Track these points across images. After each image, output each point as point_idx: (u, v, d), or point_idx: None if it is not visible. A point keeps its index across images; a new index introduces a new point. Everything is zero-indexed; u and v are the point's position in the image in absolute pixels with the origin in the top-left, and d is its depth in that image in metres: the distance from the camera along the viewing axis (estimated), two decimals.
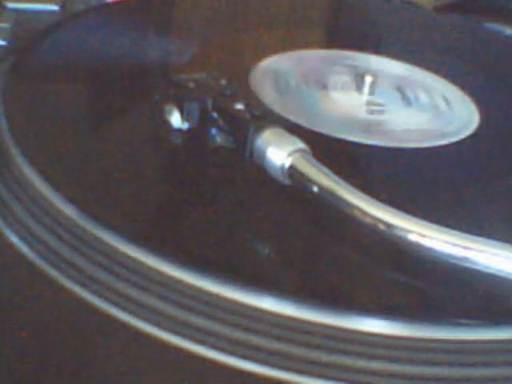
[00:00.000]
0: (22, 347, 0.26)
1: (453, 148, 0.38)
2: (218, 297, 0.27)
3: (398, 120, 0.41)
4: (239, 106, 0.34)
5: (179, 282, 0.28)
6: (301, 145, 0.31)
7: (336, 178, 0.30)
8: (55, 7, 0.49)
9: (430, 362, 0.27)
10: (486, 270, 0.27)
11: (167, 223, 0.31)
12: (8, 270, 0.29)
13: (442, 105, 0.43)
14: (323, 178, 0.30)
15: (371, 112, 0.41)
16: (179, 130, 0.35)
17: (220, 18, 0.51)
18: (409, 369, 0.27)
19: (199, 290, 0.27)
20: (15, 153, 0.33)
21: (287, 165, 0.31)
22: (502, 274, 0.27)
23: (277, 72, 0.43)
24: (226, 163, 0.34)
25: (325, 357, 0.26)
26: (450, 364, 0.27)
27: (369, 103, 0.42)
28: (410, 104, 0.42)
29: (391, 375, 0.26)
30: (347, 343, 0.27)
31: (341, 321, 0.27)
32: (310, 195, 0.30)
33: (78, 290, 0.28)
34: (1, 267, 0.29)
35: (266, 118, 0.33)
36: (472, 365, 0.27)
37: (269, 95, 0.40)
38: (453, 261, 0.28)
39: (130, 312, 0.27)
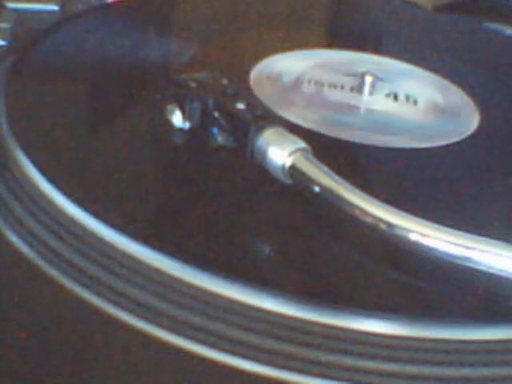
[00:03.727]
0: (22, 347, 0.26)
1: (453, 148, 0.38)
2: (217, 296, 0.27)
3: (430, 94, 0.41)
4: (240, 106, 0.34)
5: (179, 281, 0.28)
6: (302, 144, 0.31)
7: (337, 177, 0.30)
8: (55, 7, 0.49)
9: (430, 361, 0.27)
10: (487, 270, 0.27)
11: (168, 223, 0.31)
12: (8, 269, 0.29)
13: (383, 68, 0.44)
14: (324, 178, 0.30)
15: (408, 103, 0.41)
16: (180, 130, 0.35)
17: (220, 18, 0.51)
18: (409, 369, 0.26)
19: (199, 290, 0.27)
20: (16, 152, 0.33)
21: (288, 164, 0.31)
22: (503, 274, 0.27)
23: (277, 72, 0.43)
24: (227, 163, 0.34)
25: (325, 357, 0.26)
26: (450, 364, 0.27)
27: (388, 97, 0.42)
28: (388, 80, 0.43)
29: (391, 375, 0.26)
30: (347, 343, 0.27)
31: (341, 321, 0.27)
32: (310, 195, 0.30)
33: (78, 289, 0.28)
34: (1, 267, 0.29)
35: (267, 117, 0.33)
36: (472, 365, 0.27)
37: (269, 95, 0.40)
38: (454, 261, 0.28)
39: (130, 312, 0.27)
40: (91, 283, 0.28)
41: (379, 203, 0.29)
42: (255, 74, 0.42)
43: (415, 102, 0.41)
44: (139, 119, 0.38)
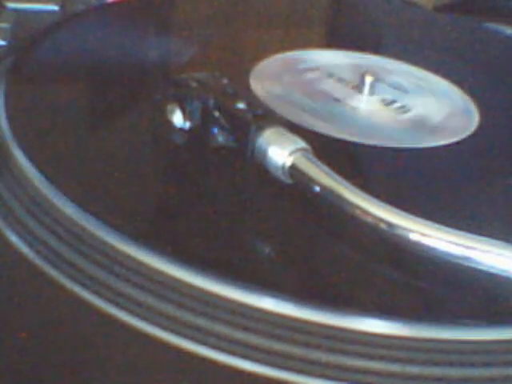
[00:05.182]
0: (22, 347, 0.26)
1: (453, 148, 0.38)
2: (217, 297, 0.27)
3: (429, 111, 0.41)
4: (241, 106, 0.34)
5: (179, 281, 0.28)
6: (302, 144, 0.31)
7: (337, 177, 0.30)
8: (55, 7, 0.49)
9: (430, 361, 0.27)
10: (488, 270, 0.27)
11: (168, 223, 0.31)
12: (8, 269, 0.29)
13: (421, 83, 0.43)
14: (324, 178, 0.30)
15: (399, 111, 0.41)
16: (181, 129, 0.35)
17: (220, 18, 0.51)
18: (409, 369, 0.26)
19: (199, 290, 0.27)
20: (15, 152, 0.33)
21: (288, 164, 0.31)
22: (504, 274, 0.27)
23: (277, 72, 0.43)
24: (228, 162, 0.34)
25: (325, 357, 0.26)
26: (450, 364, 0.27)
27: (383, 102, 0.41)
28: (406, 91, 0.43)
29: (391, 375, 0.26)
30: (347, 343, 0.27)
31: (341, 321, 0.27)
32: (311, 195, 0.30)
33: (78, 289, 0.28)
34: (1, 267, 0.29)
35: (267, 117, 0.33)
36: (472, 365, 0.27)
37: (269, 95, 0.40)
38: (454, 260, 0.28)
39: (130, 312, 0.27)
40: (91, 283, 0.28)
41: (380, 203, 0.29)
42: (255, 74, 0.42)
43: (405, 109, 0.41)
44: (139, 119, 0.38)
